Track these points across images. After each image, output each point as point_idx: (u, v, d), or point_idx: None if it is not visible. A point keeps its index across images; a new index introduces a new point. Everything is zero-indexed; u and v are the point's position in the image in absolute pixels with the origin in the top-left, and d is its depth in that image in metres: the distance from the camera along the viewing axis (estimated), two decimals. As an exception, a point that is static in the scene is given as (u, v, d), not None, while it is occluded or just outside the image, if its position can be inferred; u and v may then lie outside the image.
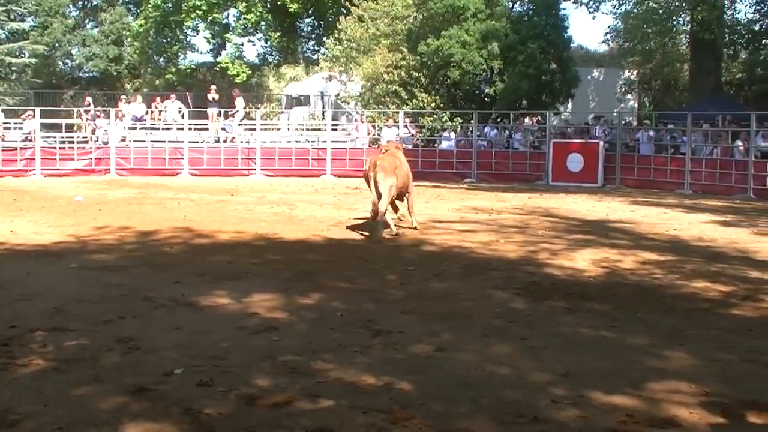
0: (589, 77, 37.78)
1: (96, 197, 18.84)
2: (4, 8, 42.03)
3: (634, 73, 40.42)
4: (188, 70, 49.47)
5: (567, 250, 11.36)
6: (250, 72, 46.71)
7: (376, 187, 12.48)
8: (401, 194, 13.31)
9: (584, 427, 4.70)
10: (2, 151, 26.89)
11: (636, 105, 40.05)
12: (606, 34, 43.09)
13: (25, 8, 46.56)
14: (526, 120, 28.59)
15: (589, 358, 6.04)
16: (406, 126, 28.47)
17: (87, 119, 30.54)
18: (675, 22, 36.59)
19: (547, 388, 5.34)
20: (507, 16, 31.05)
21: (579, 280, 9.19)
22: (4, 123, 29.41)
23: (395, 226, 12.97)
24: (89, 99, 33.04)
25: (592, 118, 28.32)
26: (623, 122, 28.43)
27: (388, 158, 12.98)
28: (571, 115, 33.47)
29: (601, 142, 25.23)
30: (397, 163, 13.01)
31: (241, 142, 29.11)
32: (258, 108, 35.11)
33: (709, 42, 32.20)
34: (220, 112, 30.36)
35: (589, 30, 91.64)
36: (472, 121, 27.98)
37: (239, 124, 30.34)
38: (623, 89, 39.36)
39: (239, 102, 30.78)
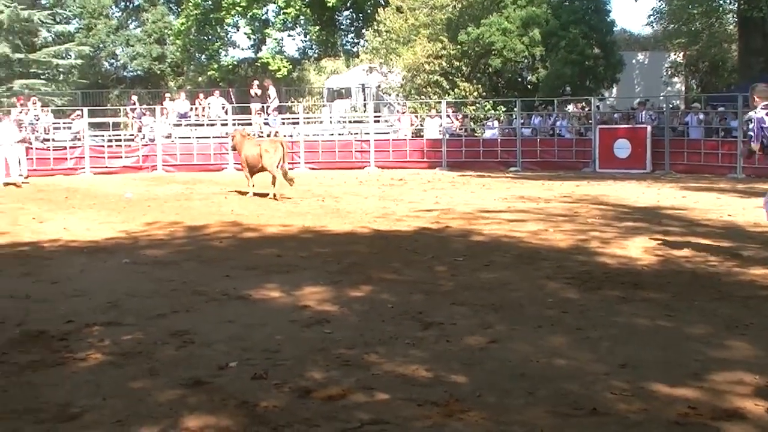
0: (633, 61, 37.30)
1: (144, 194, 19.02)
2: (50, 12, 42.65)
3: (680, 55, 39.76)
4: (230, 67, 49.72)
5: (618, 238, 11.21)
6: (290, 66, 46.81)
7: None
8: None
9: (645, 420, 4.59)
10: (53, 150, 27.32)
11: (683, 88, 39.40)
12: (650, 16, 42.69)
13: (70, 11, 47.39)
14: (570, 106, 28.34)
15: (646, 349, 5.92)
16: (448, 116, 28.37)
17: (133, 117, 30.85)
18: (721, 2, 36.00)
19: (604, 379, 5.24)
20: (547, 1, 30.73)
21: (632, 269, 9.05)
22: (53, 123, 29.84)
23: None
24: (134, 97, 33.36)
25: (637, 102, 27.99)
26: (670, 106, 28.05)
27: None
28: (616, 101, 33.14)
29: (649, 127, 24.87)
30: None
31: (284, 136, 29.20)
32: (300, 102, 35.20)
33: (757, 20, 31.50)
34: (262, 107, 30.49)
35: (632, 13, 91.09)
36: (515, 109, 27.81)
37: (275, 113, 30.45)
38: (669, 72, 38.71)
39: (272, 91, 30.90)
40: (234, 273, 8.92)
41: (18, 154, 23.07)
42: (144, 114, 30.43)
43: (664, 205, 15.30)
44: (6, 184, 22.06)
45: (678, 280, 8.42)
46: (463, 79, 31.14)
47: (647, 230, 11.84)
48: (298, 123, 29.88)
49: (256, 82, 32.31)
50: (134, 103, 32.09)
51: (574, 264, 9.36)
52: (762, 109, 9.80)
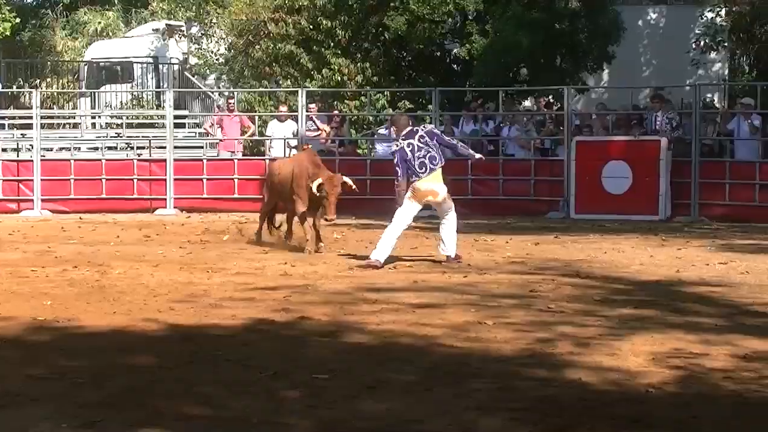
0: (640, 23, 38.03)
1: None
2: None
3: (721, 13, 40.47)
4: None
5: (606, 336, 11.44)
6: (17, 21, 46.38)
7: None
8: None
9: None
10: None
11: (725, 71, 40.17)
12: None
13: None
14: (527, 102, 28.66)
15: None
16: (311, 118, 28.41)
17: None
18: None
19: None
20: None
21: (630, 392, 9.19)
22: None
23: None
24: None
25: (647, 96, 28.46)
26: (703, 102, 28.51)
27: None
28: (607, 93, 33.70)
29: (664, 140, 25.22)
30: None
31: (4, 150, 28.95)
32: (34, 87, 34.97)
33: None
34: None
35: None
36: (429, 107, 27.93)
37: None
38: (703, 43, 39.26)
39: None
40: None
41: None
42: None
43: (687, 279, 15.75)
44: None
45: (711, 412, 8.56)
46: (338, 51, 31.30)
47: (657, 323, 12.19)
48: (31, 127, 29.66)
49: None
50: None
51: (528, 384, 9.50)
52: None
